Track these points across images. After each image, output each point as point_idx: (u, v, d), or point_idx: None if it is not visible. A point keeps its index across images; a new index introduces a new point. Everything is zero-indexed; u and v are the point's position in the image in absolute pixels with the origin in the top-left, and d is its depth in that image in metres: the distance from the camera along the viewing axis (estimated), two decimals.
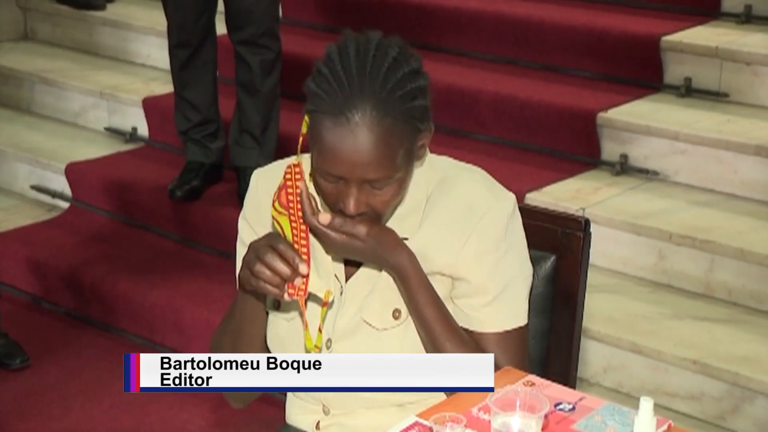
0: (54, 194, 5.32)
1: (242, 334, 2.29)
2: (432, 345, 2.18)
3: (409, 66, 2.08)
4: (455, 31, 5.14)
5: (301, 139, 2.13)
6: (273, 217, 2.13)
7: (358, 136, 2.02)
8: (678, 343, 3.84)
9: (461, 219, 2.19)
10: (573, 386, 2.37)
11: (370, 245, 2.12)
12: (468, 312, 2.21)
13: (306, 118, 2.12)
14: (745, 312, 4.00)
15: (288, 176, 2.12)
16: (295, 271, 2.02)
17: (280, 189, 2.11)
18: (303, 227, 2.10)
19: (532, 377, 2.22)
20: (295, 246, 2.08)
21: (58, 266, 4.79)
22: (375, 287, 2.22)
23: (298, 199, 2.09)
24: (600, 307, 3.83)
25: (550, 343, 2.33)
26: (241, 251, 2.28)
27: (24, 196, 5.40)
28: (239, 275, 2.12)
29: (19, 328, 4.47)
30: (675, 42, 4.86)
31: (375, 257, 2.16)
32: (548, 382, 2.22)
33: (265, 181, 2.30)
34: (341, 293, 2.25)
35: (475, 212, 2.19)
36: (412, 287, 2.16)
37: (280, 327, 2.28)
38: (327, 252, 2.19)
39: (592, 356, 3.85)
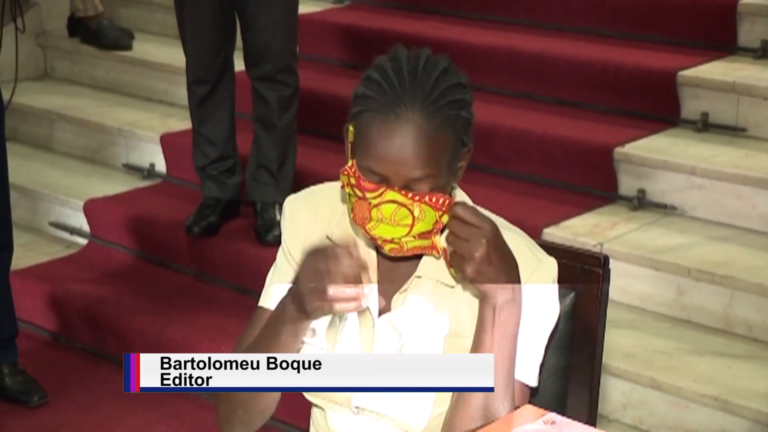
0: (72, 231, 5.31)
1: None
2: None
3: (458, 78, 2.09)
4: (471, 67, 5.08)
5: (350, 148, 2.11)
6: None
7: (406, 133, 2.02)
8: (698, 379, 3.80)
9: (523, 269, 2.14)
10: (593, 424, 2.34)
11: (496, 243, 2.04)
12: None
13: (350, 127, 2.10)
14: (765, 348, 3.97)
15: (348, 176, 2.08)
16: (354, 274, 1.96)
17: (355, 180, 2.07)
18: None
19: (553, 415, 2.19)
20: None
21: (76, 302, 4.79)
22: (408, 346, 2.20)
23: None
24: (619, 343, 3.80)
25: (569, 380, 2.30)
26: (275, 274, 2.30)
27: (42, 233, 5.39)
28: (308, 308, 2.03)
29: (37, 365, 4.47)
30: (692, 77, 4.84)
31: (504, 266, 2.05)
32: (569, 420, 2.20)
33: (300, 208, 2.29)
34: (372, 325, 2.21)
35: (536, 269, 2.17)
36: (514, 308, 2.09)
37: (308, 351, 2.23)
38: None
39: (612, 392, 3.82)
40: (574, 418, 2.21)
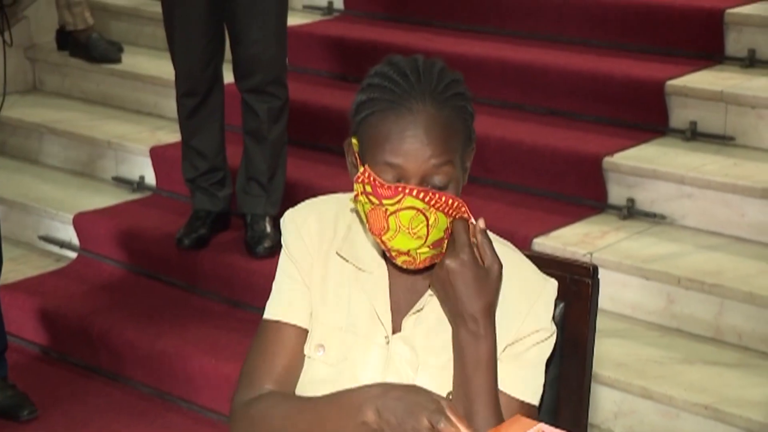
0: (62, 244, 5.31)
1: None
2: (468, 394, 2.13)
3: (456, 75, 2.13)
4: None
5: (357, 159, 2.10)
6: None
7: (420, 123, 2.03)
8: (689, 387, 3.80)
9: (525, 293, 2.19)
10: None
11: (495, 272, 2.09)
12: (506, 372, 2.17)
13: (353, 139, 2.11)
14: (755, 356, 3.97)
15: (363, 184, 2.06)
16: None
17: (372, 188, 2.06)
18: None
19: (542, 426, 2.17)
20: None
21: (67, 316, 4.78)
22: (422, 363, 2.20)
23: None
24: (609, 352, 3.80)
25: (560, 390, 2.30)
26: (285, 284, 2.26)
27: (32, 246, 5.39)
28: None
29: (27, 379, 4.45)
30: (680, 86, 4.85)
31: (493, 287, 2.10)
32: (559, 431, 2.22)
33: (303, 220, 2.26)
34: (386, 342, 2.20)
35: (537, 289, 2.20)
36: (488, 342, 2.11)
37: (319, 370, 2.21)
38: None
39: (603, 402, 3.82)
40: (565, 429, 2.22)
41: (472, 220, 2.06)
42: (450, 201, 2.03)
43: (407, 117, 2.03)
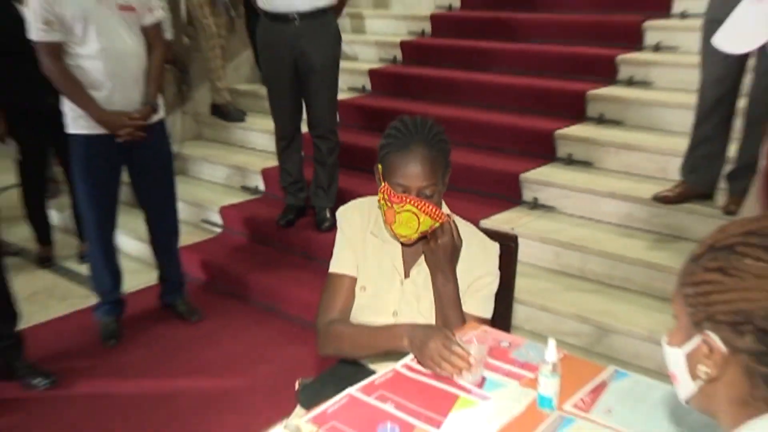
0: (214, 224, 5.31)
1: (360, 353, 2.20)
2: (443, 312, 2.18)
3: (440, 128, 2.14)
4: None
5: (381, 178, 2.14)
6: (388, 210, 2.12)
7: (418, 159, 2.07)
8: (567, 304, 3.79)
9: (479, 252, 2.24)
10: (508, 331, 2.36)
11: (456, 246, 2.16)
12: (470, 299, 2.22)
13: (379, 166, 2.13)
14: (604, 287, 3.95)
15: (385, 192, 2.10)
16: (466, 362, 1.90)
17: (388, 196, 2.09)
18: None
19: (486, 327, 2.24)
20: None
21: (216, 264, 4.82)
22: (421, 294, 2.23)
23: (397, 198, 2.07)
24: (524, 284, 3.77)
25: (496, 306, 2.28)
26: (340, 251, 2.27)
27: (198, 225, 5.38)
28: (415, 350, 1.98)
29: (195, 299, 4.51)
30: (562, 133, 4.79)
31: (451, 259, 2.15)
32: (495, 330, 2.21)
33: (351, 213, 2.30)
34: (401, 283, 2.23)
35: (488, 250, 2.26)
36: (453, 283, 2.17)
37: (361, 299, 2.23)
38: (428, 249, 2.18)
39: (519, 312, 3.79)
40: (500, 329, 2.23)
41: (447, 218, 2.13)
42: (433, 209, 2.08)
43: (409, 155, 2.07)
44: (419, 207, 2.06)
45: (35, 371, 3.70)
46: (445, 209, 2.24)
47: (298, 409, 2.28)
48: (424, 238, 2.16)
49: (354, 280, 2.24)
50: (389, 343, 2.05)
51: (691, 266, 1.22)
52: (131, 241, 5.13)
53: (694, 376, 1.22)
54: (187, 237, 4.92)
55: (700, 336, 1.19)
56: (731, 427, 1.19)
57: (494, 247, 2.25)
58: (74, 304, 4.52)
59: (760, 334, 1.12)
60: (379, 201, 2.15)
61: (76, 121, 3.73)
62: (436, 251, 2.12)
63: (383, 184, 2.10)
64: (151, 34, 3.83)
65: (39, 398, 3.60)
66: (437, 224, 2.11)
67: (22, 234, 5.19)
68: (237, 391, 3.60)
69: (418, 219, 2.08)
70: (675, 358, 1.25)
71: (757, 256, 1.14)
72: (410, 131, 2.09)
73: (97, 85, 3.67)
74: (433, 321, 2.18)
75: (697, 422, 1.73)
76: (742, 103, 3.91)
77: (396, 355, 2.03)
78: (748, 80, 3.83)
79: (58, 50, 3.59)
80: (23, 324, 3.79)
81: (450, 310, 2.16)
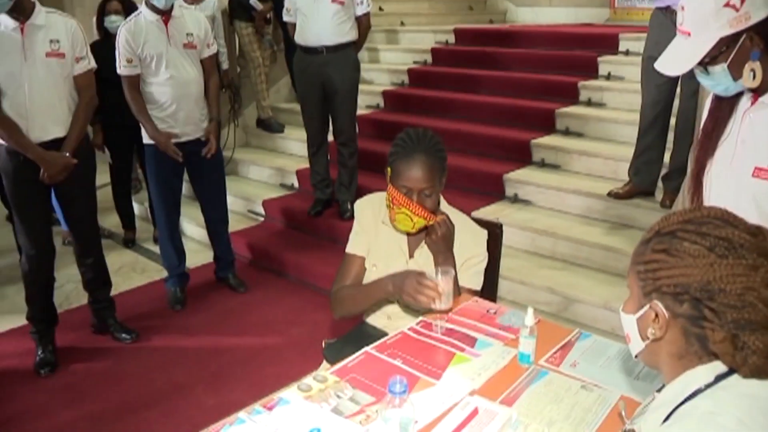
0: (258, 214, 5.24)
1: (361, 306, 2.17)
2: None
3: (438, 138, 2.08)
4: (441, 137, 5.15)
5: (388, 179, 2.09)
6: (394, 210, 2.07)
7: (420, 167, 2.01)
8: (541, 279, 3.74)
9: (471, 236, 2.18)
10: (495, 301, 2.31)
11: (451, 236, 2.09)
12: (463, 275, 2.17)
13: (388, 169, 2.08)
14: (570, 265, 3.89)
15: (390, 194, 2.07)
16: (436, 292, 1.90)
17: (391, 198, 2.06)
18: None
19: (477, 297, 2.21)
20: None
21: (260, 246, 4.75)
22: (423, 270, 2.16)
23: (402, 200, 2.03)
24: (506, 263, 3.65)
25: (484, 281, 2.24)
26: (355, 236, 2.24)
27: (245, 214, 5.32)
28: (397, 291, 1.98)
29: (242, 274, 4.44)
30: (537, 142, 4.74)
31: (448, 245, 2.09)
32: (484, 300, 2.19)
33: (365, 206, 2.26)
34: (407, 262, 2.18)
35: (478, 235, 2.19)
36: (450, 262, 2.10)
37: (373, 275, 2.19)
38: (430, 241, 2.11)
39: (503, 287, 3.67)
40: (486, 299, 2.19)
41: (439, 217, 2.06)
42: (423, 212, 2.03)
43: (412, 162, 2.01)
44: (412, 210, 2.02)
45: (122, 328, 3.74)
46: (444, 203, 2.20)
47: (324, 364, 2.25)
48: (424, 229, 2.13)
49: (363, 259, 2.21)
50: (379, 292, 2.05)
51: (642, 248, 1.21)
52: (193, 227, 5.11)
53: (643, 336, 1.22)
54: (236, 224, 4.89)
55: (648, 304, 1.18)
56: (669, 374, 1.19)
57: (482, 233, 2.21)
58: (150, 276, 4.52)
59: (694, 302, 1.12)
60: (386, 200, 2.13)
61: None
62: (437, 241, 2.09)
63: (390, 186, 2.08)
64: (207, 65, 3.89)
65: (125, 348, 3.63)
66: (431, 222, 2.07)
67: (112, 221, 5.21)
68: (274, 347, 3.59)
69: (412, 219, 2.05)
70: (628, 322, 1.24)
71: (693, 240, 1.14)
72: (413, 142, 2.04)
73: (165, 105, 3.76)
74: None
75: (642, 373, 1.73)
76: (673, 120, 3.94)
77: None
78: (677, 103, 3.89)
79: (137, 81, 3.71)
80: (113, 291, 3.83)
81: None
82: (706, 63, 1.59)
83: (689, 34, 1.58)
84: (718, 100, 1.73)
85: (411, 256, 2.20)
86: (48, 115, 3.20)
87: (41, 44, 3.14)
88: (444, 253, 2.09)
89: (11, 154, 3.18)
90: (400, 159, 2.04)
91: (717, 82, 1.62)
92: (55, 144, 3.25)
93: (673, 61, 1.60)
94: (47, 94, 3.19)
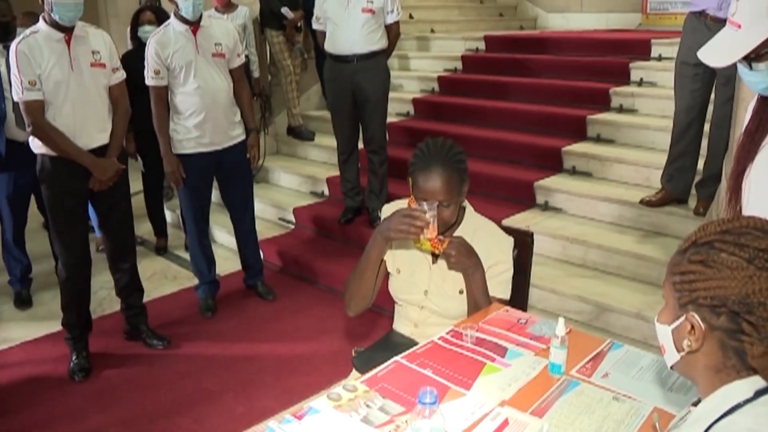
0: (288, 222, 5.26)
1: (364, 275, 2.15)
2: (473, 295, 2.12)
3: (459, 149, 2.05)
4: (465, 144, 5.11)
5: (410, 186, 2.08)
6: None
7: (436, 179, 1.99)
8: (572, 288, 3.70)
9: (495, 244, 2.15)
10: (525, 310, 2.29)
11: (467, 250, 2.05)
12: (491, 284, 2.14)
13: (410, 179, 2.06)
14: (601, 273, 3.85)
15: (411, 203, 2.07)
16: (425, 221, 1.93)
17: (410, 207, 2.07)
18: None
19: (507, 307, 2.18)
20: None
21: (289, 253, 4.76)
22: (446, 275, 2.16)
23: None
24: (536, 272, 3.63)
25: (514, 290, 2.22)
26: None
27: (275, 222, 5.36)
28: (385, 234, 2.01)
29: (274, 282, 4.47)
30: (567, 150, 4.71)
31: (470, 258, 2.06)
32: (514, 309, 2.18)
33: (390, 212, 2.21)
34: (430, 268, 2.17)
35: (503, 242, 2.17)
36: (480, 272, 2.09)
37: (397, 281, 2.19)
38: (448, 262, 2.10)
39: (533, 295, 3.66)
40: (517, 308, 2.18)
41: (446, 243, 2.01)
42: (432, 242, 1.99)
43: (430, 174, 2.00)
44: (421, 243, 2.01)
45: (154, 335, 3.78)
46: (471, 210, 2.19)
47: (354, 372, 2.25)
48: (447, 230, 2.10)
49: (384, 262, 2.21)
50: (373, 249, 2.07)
51: (678, 258, 1.19)
52: (224, 234, 5.15)
53: (678, 347, 1.19)
54: (266, 231, 4.92)
55: (684, 316, 1.16)
56: (706, 387, 1.16)
57: (508, 241, 2.17)
58: (182, 284, 4.57)
59: (732, 315, 1.09)
60: (408, 204, 2.12)
61: (180, 144, 3.83)
62: (456, 264, 2.06)
63: (411, 196, 2.07)
64: (236, 75, 3.90)
65: (156, 355, 3.67)
66: (438, 252, 2.03)
67: (144, 228, 5.27)
68: (304, 355, 3.60)
69: (422, 243, 2.03)
70: (664, 333, 1.22)
71: (731, 251, 1.11)
72: (432, 153, 2.02)
73: (194, 114, 3.78)
74: (455, 298, 2.14)
75: (676, 385, 1.69)
76: (706, 127, 3.88)
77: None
78: (710, 110, 3.83)
79: (164, 93, 3.76)
80: (145, 298, 3.87)
81: (478, 293, 2.11)
82: (751, 58, 1.55)
83: (740, 27, 1.53)
84: (763, 100, 1.69)
85: (434, 261, 2.19)
86: (94, 123, 3.31)
87: (85, 55, 3.26)
88: (469, 267, 2.07)
89: (57, 164, 3.25)
90: (418, 170, 2.02)
91: (760, 79, 1.58)
92: (101, 151, 3.35)
93: (718, 52, 1.56)
94: (93, 103, 3.30)
